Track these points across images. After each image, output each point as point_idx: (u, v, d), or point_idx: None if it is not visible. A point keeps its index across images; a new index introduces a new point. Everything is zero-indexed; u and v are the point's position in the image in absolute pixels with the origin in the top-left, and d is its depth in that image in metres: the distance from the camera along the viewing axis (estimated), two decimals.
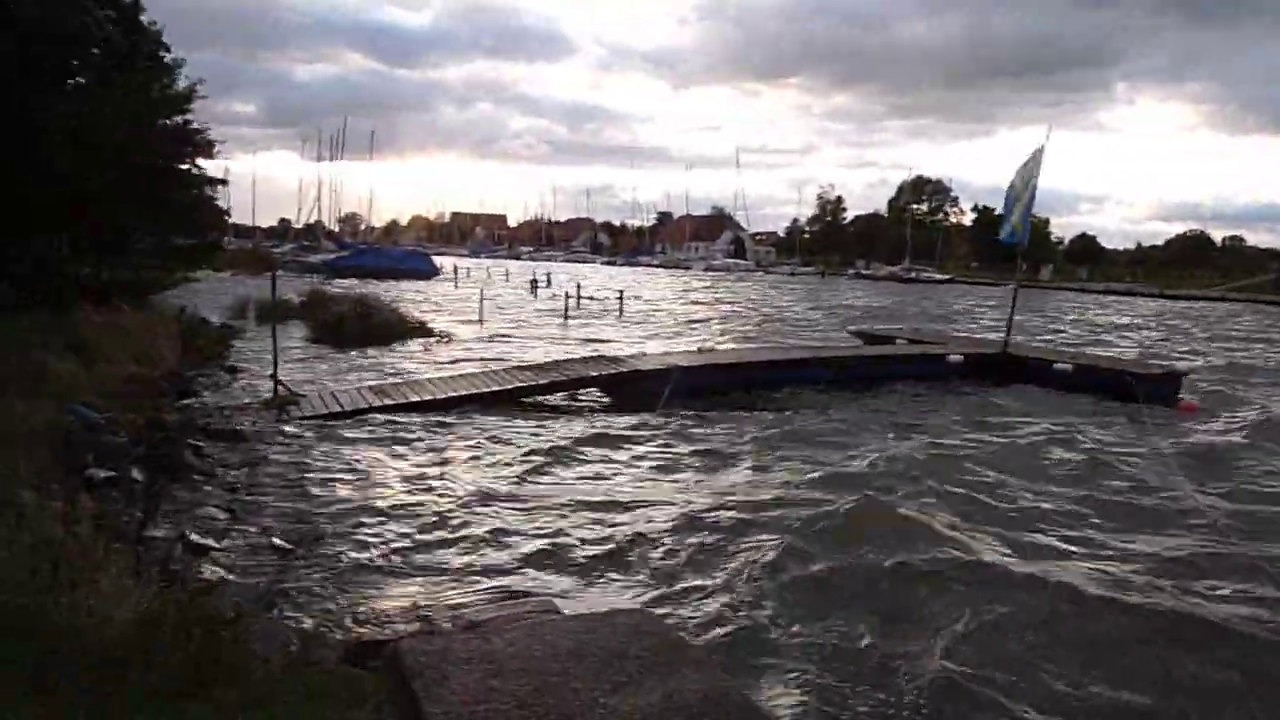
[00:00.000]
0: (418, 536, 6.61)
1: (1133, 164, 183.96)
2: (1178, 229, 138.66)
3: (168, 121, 22.55)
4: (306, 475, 8.15)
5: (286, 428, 10.04)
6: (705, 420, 11.60)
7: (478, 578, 5.84)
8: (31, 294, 17.56)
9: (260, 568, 5.77)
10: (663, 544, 6.68)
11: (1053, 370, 16.20)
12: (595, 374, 13.23)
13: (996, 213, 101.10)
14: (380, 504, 7.38)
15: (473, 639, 2.99)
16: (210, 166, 24.48)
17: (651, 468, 9.19)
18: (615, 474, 8.88)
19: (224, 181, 24.94)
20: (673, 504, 7.70)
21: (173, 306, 21.05)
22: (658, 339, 22.91)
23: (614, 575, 6.03)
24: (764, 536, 6.78)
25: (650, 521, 7.17)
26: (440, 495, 7.72)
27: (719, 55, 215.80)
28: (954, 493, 8.35)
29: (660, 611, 5.05)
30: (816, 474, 8.82)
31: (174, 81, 21.96)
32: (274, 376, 11.68)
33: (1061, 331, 30.66)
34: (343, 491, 7.72)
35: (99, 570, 4.66)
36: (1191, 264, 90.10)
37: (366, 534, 6.60)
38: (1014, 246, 19.72)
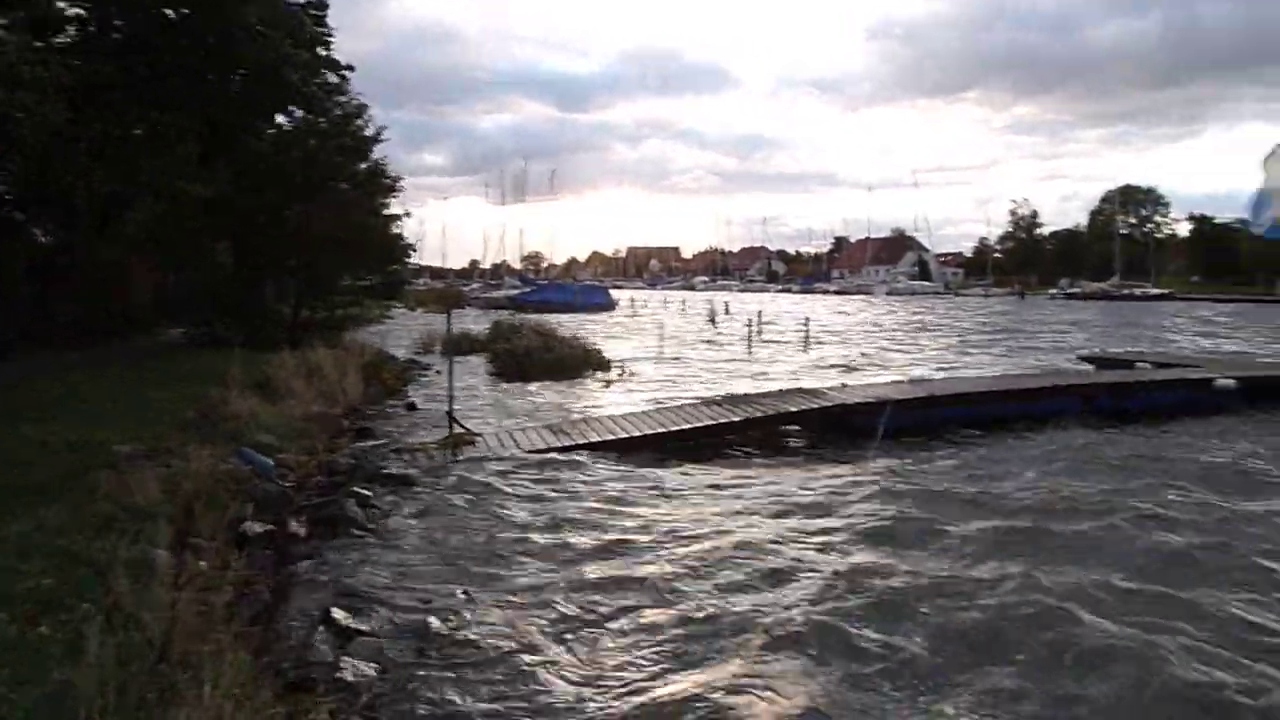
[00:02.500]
0: (608, 626, 5.25)
1: None
2: None
3: (362, 164, 23.42)
4: (476, 533, 7.08)
5: (460, 472, 9.13)
6: (937, 473, 9.51)
7: (684, 691, 4.42)
8: (250, 333, 18.33)
9: (412, 661, 4.64)
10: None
11: None
12: (794, 409, 11.63)
13: (1217, 220, 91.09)
14: (559, 574, 6.14)
15: None
16: (398, 210, 25.32)
17: (869, 530, 7.34)
18: (842, 541, 7.04)
19: (407, 214, 25.59)
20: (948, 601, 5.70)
21: (361, 343, 21.42)
22: (853, 369, 20.90)
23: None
24: None
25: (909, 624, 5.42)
26: (634, 563, 6.37)
27: (889, 75, 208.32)
28: None
29: None
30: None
31: (364, 124, 22.73)
32: (449, 414, 10.93)
33: None
34: (516, 556, 6.56)
35: (204, 676, 3.64)
36: None
37: (539, 618, 5.34)
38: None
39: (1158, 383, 14.19)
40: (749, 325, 27.76)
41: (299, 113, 21.61)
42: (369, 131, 22.67)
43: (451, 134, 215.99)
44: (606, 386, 17.54)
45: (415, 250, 34.52)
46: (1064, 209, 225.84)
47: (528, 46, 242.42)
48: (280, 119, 21.74)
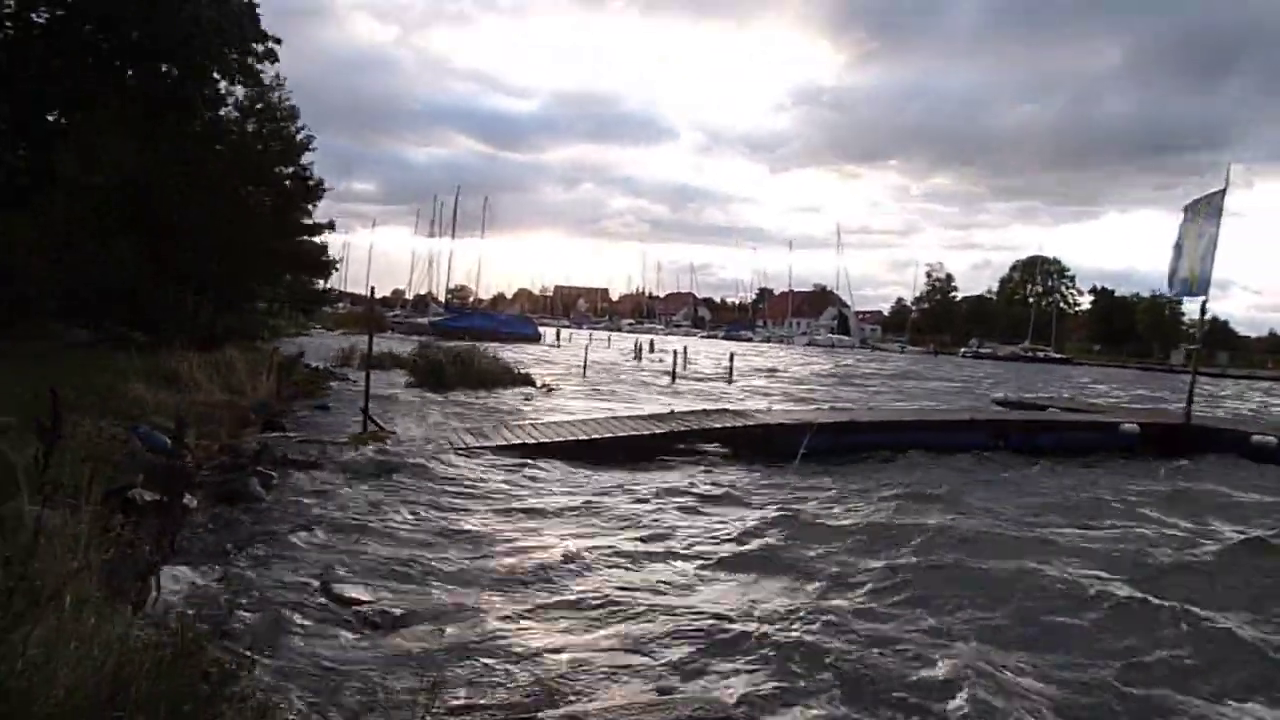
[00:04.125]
0: (508, 608, 5.02)
1: (1258, 250, 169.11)
2: None
3: (288, 169, 22.78)
4: (379, 516, 6.77)
5: (371, 463, 8.77)
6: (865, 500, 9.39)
7: (594, 665, 4.23)
8: (156, 335, 17.35)
9: (304, 626, 4.32)
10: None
11: (1250, 444, 13.73)
12: (718, 426, 11.60)
13: (1117, 293, 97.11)
14: (464, 560, 5.89)
15: None
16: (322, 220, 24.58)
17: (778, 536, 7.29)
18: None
19: (331, 225, 24.85)
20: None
21: (277, 349, 20.62)
22: (777, 401, 21.08)
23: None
24: None
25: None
26: (545, 556, 6.16)
27: (815, 139, 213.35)
28: None
29: None
30: None
31: (298, 130, 22.17)
32: (364, 410, 10.54)
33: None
34: (424, 542, 6.27)
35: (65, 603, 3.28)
36: None
37: (443, 597, 5.10)
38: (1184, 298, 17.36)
39: (1066, 423, 14.69)
40: (674, 356, 27.87)
41: (238, 90, 20.71)
42: (300, 137, 22.13)
43: (382, 163, 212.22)
44: (527, 400, 17.27)
45: (338, 267, 33.51)
46: (976, 276, 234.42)
47: (464, 81, 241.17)
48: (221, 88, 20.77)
